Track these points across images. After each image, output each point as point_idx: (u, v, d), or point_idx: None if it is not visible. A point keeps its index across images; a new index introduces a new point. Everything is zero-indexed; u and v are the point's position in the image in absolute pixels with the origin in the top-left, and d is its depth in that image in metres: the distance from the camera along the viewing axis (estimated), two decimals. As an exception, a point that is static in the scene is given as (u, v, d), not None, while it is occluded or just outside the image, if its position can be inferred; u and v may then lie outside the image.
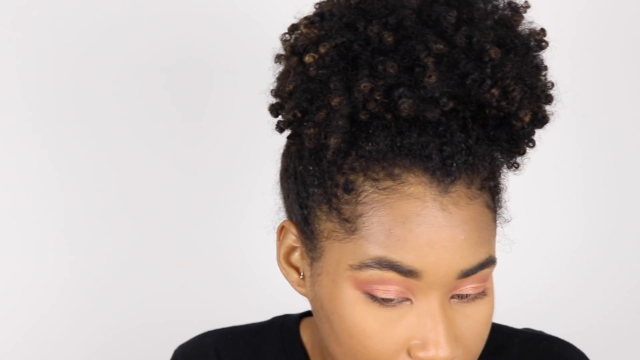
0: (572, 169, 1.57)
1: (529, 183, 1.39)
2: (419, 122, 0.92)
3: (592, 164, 1.57)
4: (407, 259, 0.90)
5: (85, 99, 1.49)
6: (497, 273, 1.13)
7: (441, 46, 0.90)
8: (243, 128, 1.00)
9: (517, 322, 1.16)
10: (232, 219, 1.31)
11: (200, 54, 1.49)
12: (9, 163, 1.49)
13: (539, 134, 1.01)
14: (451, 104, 0.91)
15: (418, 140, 0.91)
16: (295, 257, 1.01)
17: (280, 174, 1.02)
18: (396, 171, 0.91)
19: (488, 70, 0.92)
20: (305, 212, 0.97)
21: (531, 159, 1.07)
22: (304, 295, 1.01)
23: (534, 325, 1.15)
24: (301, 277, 1.00)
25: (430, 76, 0.89)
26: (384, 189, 0.91)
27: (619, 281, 1.58)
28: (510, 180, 1.06)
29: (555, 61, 1.04)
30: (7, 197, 1.50)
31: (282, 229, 1.01)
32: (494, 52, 0.91)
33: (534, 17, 0.99)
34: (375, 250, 0.91)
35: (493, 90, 0.92)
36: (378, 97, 0.90)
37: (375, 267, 0.91)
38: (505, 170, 1.02)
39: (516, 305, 1.45)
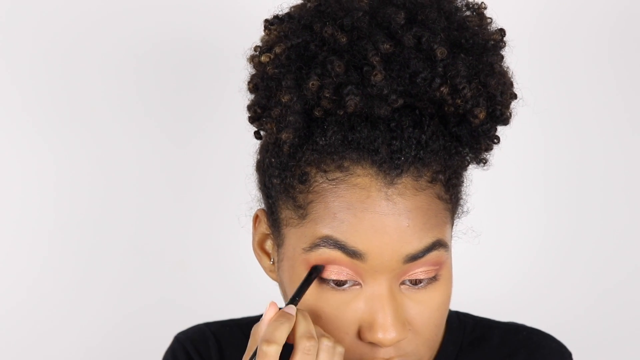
0: (537, 165, 1.58)
1: (501, 179, 1.41)
2: (372, 118, 0.97)
3: (556, 159, 1.57)
4: (350, 240, 0.96)
5: (82, 99, 1.52)
6: (467, 269, 1.17)
7: (388, 46, 0.95)
8: (243, 129, 1.06)
9: (489, 316, 1.18)
10: (229, 218, 1.35)
11: (195, 53, 1.53)
12: (10, 163, 1.53)
13: (505, 132, 1.04)
14: (400, 101, 0.96)
15: (368, 135, 0.97)
16: (269, 244, 1.08)
17: (255, 166, 1.08)
18: (345, 164, 0.97)
19: (439, 69, 0.96)
20: (270, 201, 1.04)
21: (507, 155, 1.10)
22: (275, 280, 1.07)
23: (505, 319, 1.18)
24: (272, 263, 1.07)
25: (376, 74, 0.94)
26: (333, 179, 0.97)
27: (586, 276, 1.58)
28: (483, 178, 1.10)
29: (520, 59, 1.07)
30: (7, 197, 1.53)
31: (256, 218, 1.08)
32: (441, 52, 0.96)
33: (495, 16, 1.02)
34: (322, 229, 0.97)
35: (442, 89, 0.96)
36: (328, 95, 0.95)
37: (323, 246, 0.97)
38: (474, 165, 1.06)
39: (488, 298, 1.46)
